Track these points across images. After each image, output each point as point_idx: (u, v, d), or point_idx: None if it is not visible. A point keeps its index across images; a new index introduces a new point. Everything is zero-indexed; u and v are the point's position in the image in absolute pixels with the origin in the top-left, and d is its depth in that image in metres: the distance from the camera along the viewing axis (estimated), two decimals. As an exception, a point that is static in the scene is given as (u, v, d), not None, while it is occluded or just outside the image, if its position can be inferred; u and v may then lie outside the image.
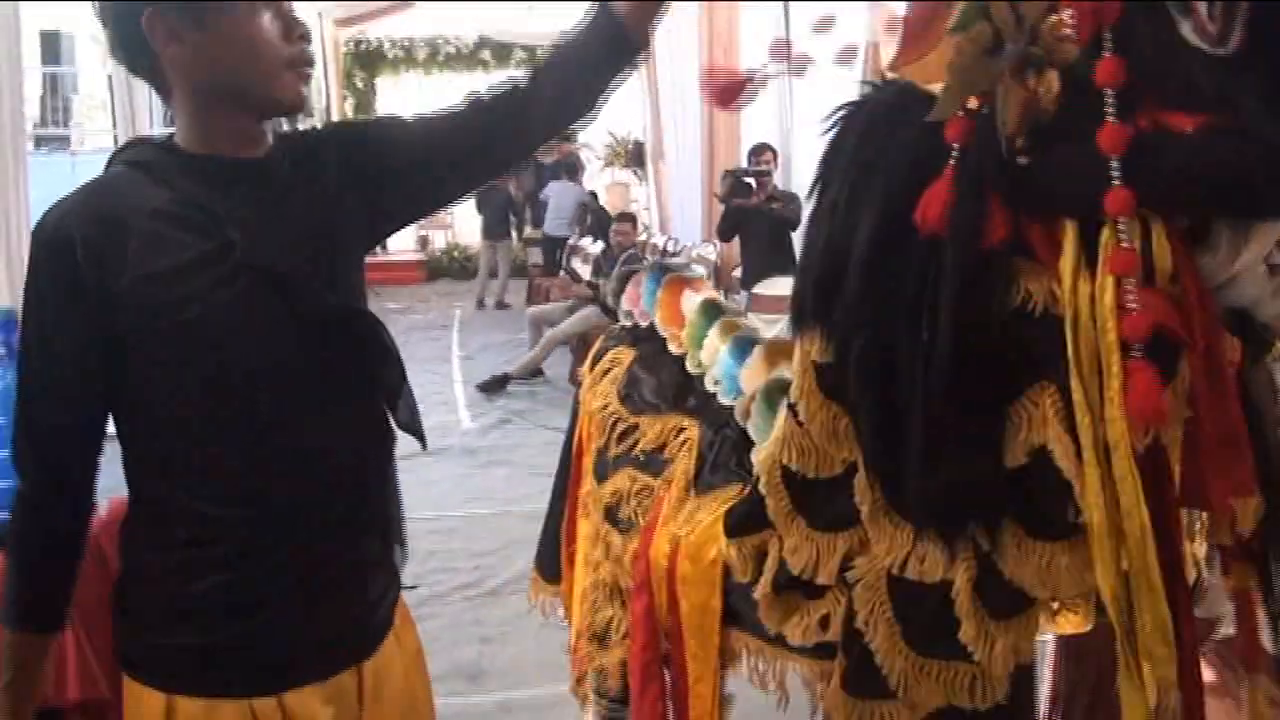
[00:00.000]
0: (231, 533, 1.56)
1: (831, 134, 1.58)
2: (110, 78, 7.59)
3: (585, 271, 9.27)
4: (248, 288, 1.51)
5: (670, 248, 9.28)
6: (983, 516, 1.49)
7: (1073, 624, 1.74)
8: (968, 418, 1.43)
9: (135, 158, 1.58)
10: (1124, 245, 1.26)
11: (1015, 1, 1.26)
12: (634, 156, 15.29)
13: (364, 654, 1.69)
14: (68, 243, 1.47)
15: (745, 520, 1.86)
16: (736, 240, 8.17)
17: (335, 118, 14.40)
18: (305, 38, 1.57)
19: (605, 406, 2.53)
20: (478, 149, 1.73)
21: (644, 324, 2.56)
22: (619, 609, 2.46)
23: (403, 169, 1.69)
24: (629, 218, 9.47)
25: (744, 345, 2.23)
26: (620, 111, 15.32)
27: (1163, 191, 1.25)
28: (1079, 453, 1.35)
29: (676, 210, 10.69)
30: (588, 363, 2.72)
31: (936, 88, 1.38)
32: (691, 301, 2.44)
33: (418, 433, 1.69)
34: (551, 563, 2.87)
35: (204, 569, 1.56)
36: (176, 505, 1.56)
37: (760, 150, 8.17)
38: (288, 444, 1.57)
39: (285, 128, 1.70)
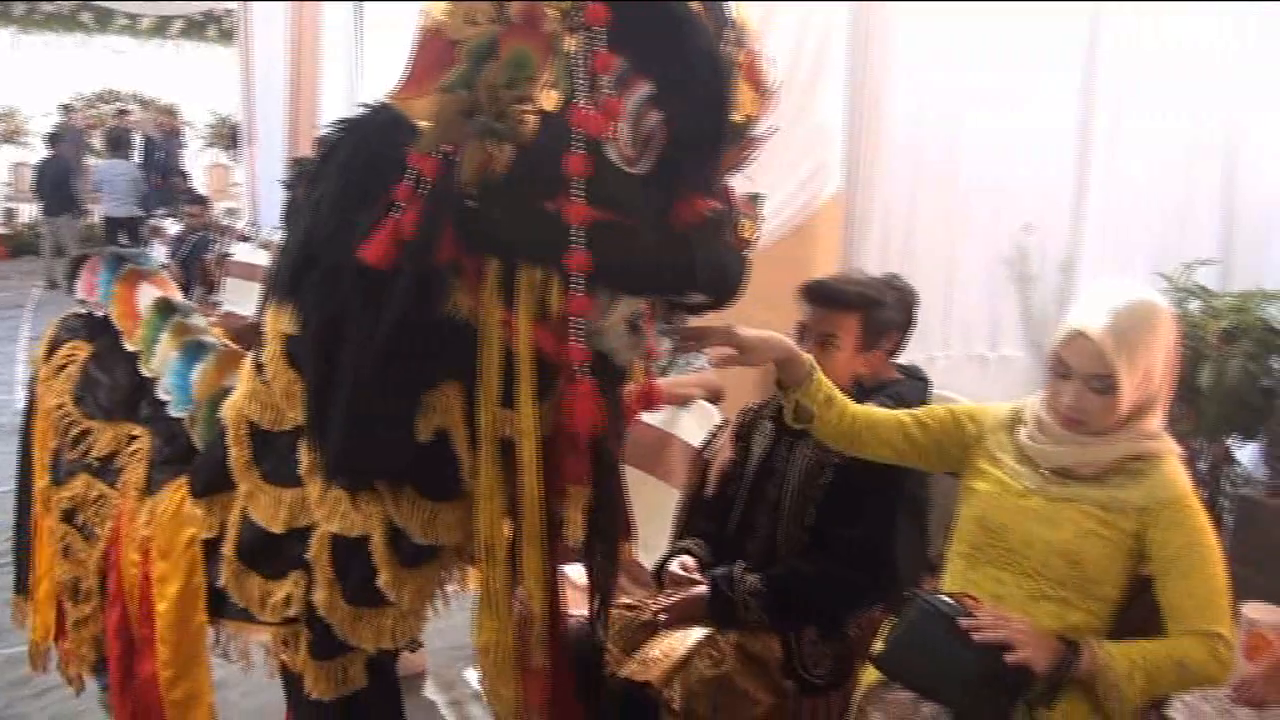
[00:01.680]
0: None
1: (330, 137, 1.83)
2: None
3: (163, 253, 8.93)
4: None
5: (250, 233, 9.07)
6: (392, 477, 1.82)
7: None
8: (394, 396, 1.73)
9: None
10: (578, 293, 1.61)
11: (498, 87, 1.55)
12: (233, 138, 14.85)
13: None
14: None
15: (210, 479, 2.04)
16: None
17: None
18: None
19: (60, 406, 2.50)
20: None
21: (99, 313, 2.52)
22: (74, 606, 2.49)
23: None
24: (200, 199, 9.19)
25: (194, 350, 2.28)
26: (222, 92, 14.89)
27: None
28: (471, 437, 1.74)
29: (266, 194, 10.45)
30: (41, 353, 2.64)
31: (421, 124, 1.62)
32: (146, 298, 2.43)
33: None
34: (25, 576, 2.81)
35: None
36: None
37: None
38: None
39: None
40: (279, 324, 1.85)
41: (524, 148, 1.57)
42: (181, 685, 2.22)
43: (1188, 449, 3.26)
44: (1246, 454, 3.32)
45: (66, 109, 14.59)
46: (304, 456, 1.88)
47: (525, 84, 1.55)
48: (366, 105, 1.80)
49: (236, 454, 1.96)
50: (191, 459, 2.16)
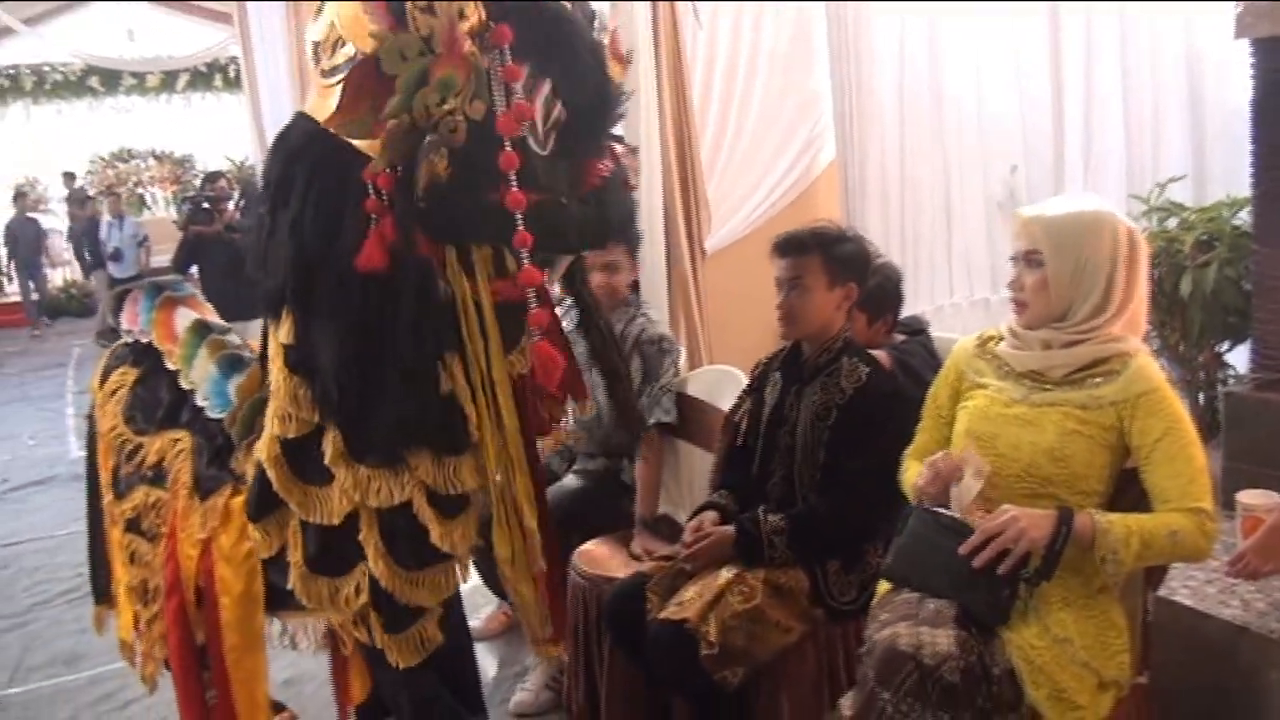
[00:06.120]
0: None
1: (282, 163, 2.05)
2: None
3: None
4: None
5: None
6: (431, 442, 2.09)
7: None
8: (424, 371, 2.04)
9: None
10: (528, 266, 1.97)
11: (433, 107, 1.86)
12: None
13: None
14: None
15: (260, 502, 2.23)
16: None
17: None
18: None
19: (114, 429, 2.70)
20: None
21: (144, 340, 2.72)
22: (144, 607, 2.65)
23: None
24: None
25: (230, 363, 2.48)
26: (235, 137, 15.18)
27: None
28: (472, 396, 2.06)
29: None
30: (96, 380, 2.84)
31: (358, 142, 1.94)
32: (183, 320, 2.63)
33: None
34: (103, 585, 2.96)
35: None
36: None
37: (214, 178, 8.10)
38: None
39: None
40: (278, 337, 2.11)
41: (459, 152, 1.89)
42: (245, 664, 2.39)
43: (1181, 358, 3.40)
44: (1241, 356, 3.44)
45: (70, 176, 14.87)
46: (328, 447, 2.09)
47: (453, 99, 1.84)
48: (301, 132, 2.04)
49: (276, 475, 2.15)
50: (230, 457, 2.37)
